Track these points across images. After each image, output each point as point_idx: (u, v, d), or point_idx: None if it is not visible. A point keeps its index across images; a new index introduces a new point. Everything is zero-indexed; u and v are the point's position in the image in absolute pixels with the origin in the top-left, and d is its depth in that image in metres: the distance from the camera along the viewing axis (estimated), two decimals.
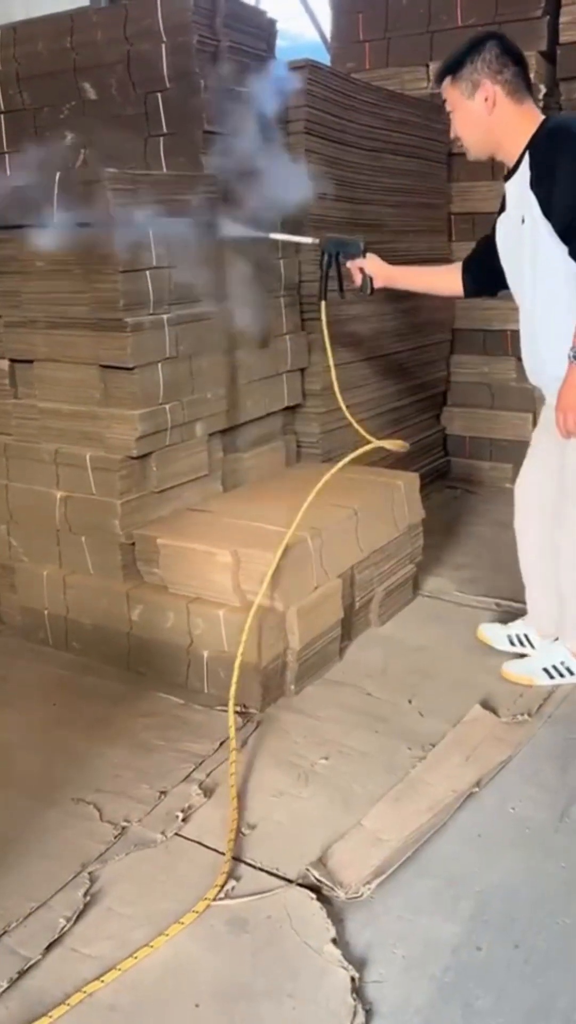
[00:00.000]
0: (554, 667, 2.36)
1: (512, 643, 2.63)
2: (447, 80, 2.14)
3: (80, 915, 1.68)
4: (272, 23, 3.05)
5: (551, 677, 2.37)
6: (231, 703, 2.24)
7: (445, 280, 2.59)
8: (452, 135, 2.24)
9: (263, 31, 3.00)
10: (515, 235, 2.16)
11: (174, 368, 2.62)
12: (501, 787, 2.05)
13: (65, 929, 1.65)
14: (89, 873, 1.79)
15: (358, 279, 2.66)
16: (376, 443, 2.59)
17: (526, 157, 2.07)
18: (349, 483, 2.81)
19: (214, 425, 2.84)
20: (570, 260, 1.93)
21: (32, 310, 2.63)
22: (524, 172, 2.06)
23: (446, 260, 4.28)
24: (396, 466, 3.71)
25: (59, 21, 3.09)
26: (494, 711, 2.35)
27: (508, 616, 2.82)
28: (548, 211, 1.96)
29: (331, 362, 2.67)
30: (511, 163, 2.11)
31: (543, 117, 2.15)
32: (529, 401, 4.08)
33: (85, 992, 1.50)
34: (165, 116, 2.86)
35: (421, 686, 2.51)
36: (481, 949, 1.60)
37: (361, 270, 2.64)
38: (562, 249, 1.97)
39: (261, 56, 2.99)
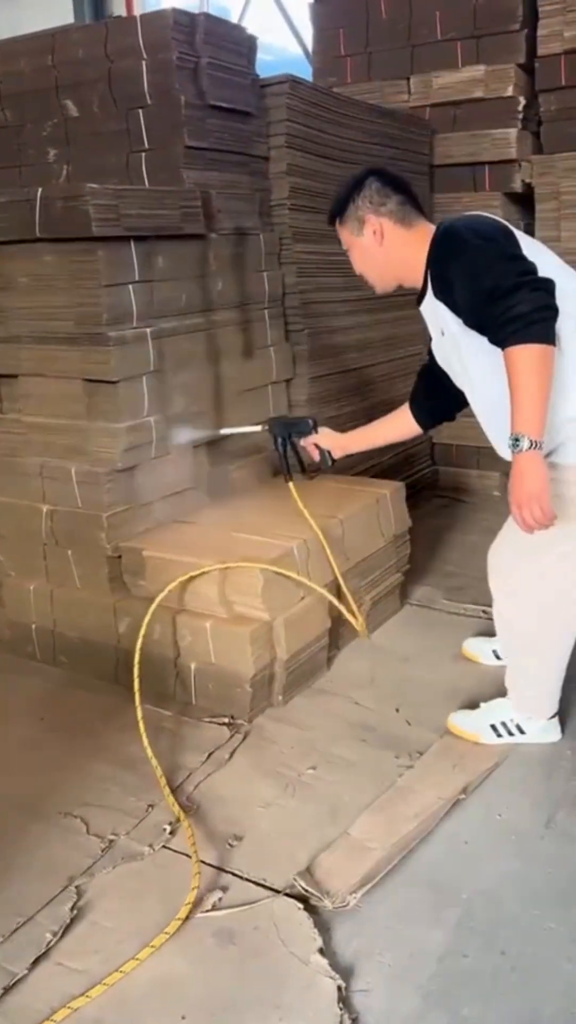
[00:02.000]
0: (503, 724, 2.23)
1: (498, 657, 2.60)
2: (337, 222, 2.15)
3: (67, 929, 1.68)
4: (252, 39, 3.08)
5: (498, 735, 2.23)
6: None
7: (399, 426, 2.52)
8: (357, 272, 2.22)
9: (243, 47, 3.03)
10: (441, 349, 2.16)
11: (158, 381, 2.64)
12: (487, 795, 2.05)
13: (51, 944, 1.64)
14: (76, 887, 1.79)
15: (315, 455, 2.63)
16: (349, 618, 2.60)
17: (428, 274, 2.04)
18: (335, 493, 2.82)
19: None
20: (493, 354, 1.85)
21: (16, 325, 2.64)
22: (428, 287, 2.04)
23: None
24: (383, 475, 3.73)
25: (41, 39, 3.11)
26: None
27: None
28: (458, 312, 1.94)
29: (316, 530, 2.60)
30: (419, 285, 2.08)
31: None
32: None
33: (71, 1008, 1.50)
34: (146, 132, 2.89)
35: (409, 695, 2.51)
36: (467, 957, 1.60)
37: (317, 445, 2.60)
38: (481, 346, 1.91)
39: (242, 72, 3.01)
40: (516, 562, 2.14)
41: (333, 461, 2.62)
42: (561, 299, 1.82)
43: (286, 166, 3.20)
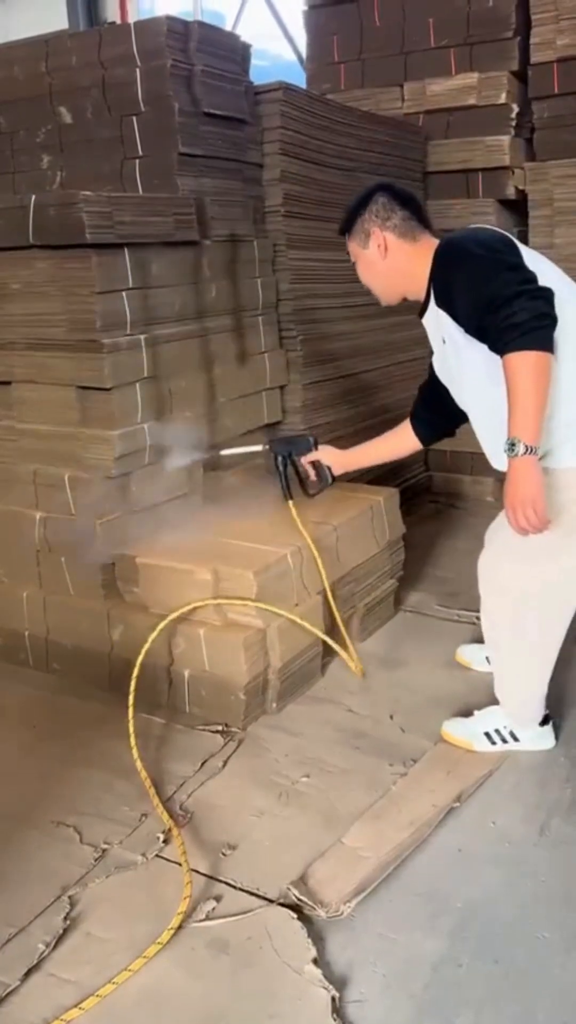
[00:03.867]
0: (496, 731, 2.24)
1: (491, 662, 2.57)
2: (347, 236, 2.20)
3: (59, 940, 1.67)
4: (246, 47, 3.09)
5: (492, 743, 2.24)
6: None
7: (400, 442, 2.54)
8: (363, 283, 2.26)
9: (237, 54, 3.03)
10: (442, 358, 2.19)
11: (152, 388, 2.63)
12: (482, 802, 2.05)
13: (44, 954, 1.64)
14: (69, 897, 1.78)
15: (312, 474, 2.63)
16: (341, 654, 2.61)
17: (431, 285, 2.09)
18: (329, 499, 2.81)
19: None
20: (491, 363, 1.89)
21: (9, 332, 2.63)
22: (431, 297, 2.08)
23: None
24: (377, 481, 3.73)
25: (35, 46, 3.12)
26: None
27: None
28: (459, 319, 1.97)
29: (314, 553, 2.59)
30: (421, 297, 2.13)
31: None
32: None
33: (64, 1020, 1.49)
34: (140, 139, 2.89)
35: (403, 702, 2.51)
36: (461, 965, 1.60)
37: (317, 463, 2.62)
38: (480, 355, 1.94)
39: (235, 79, 3.02)
40: (505, 564, 2.14)
41: (333, 479, 2.63)
42: (559, 308, 1.85)
43: (280, 173, 3.20)
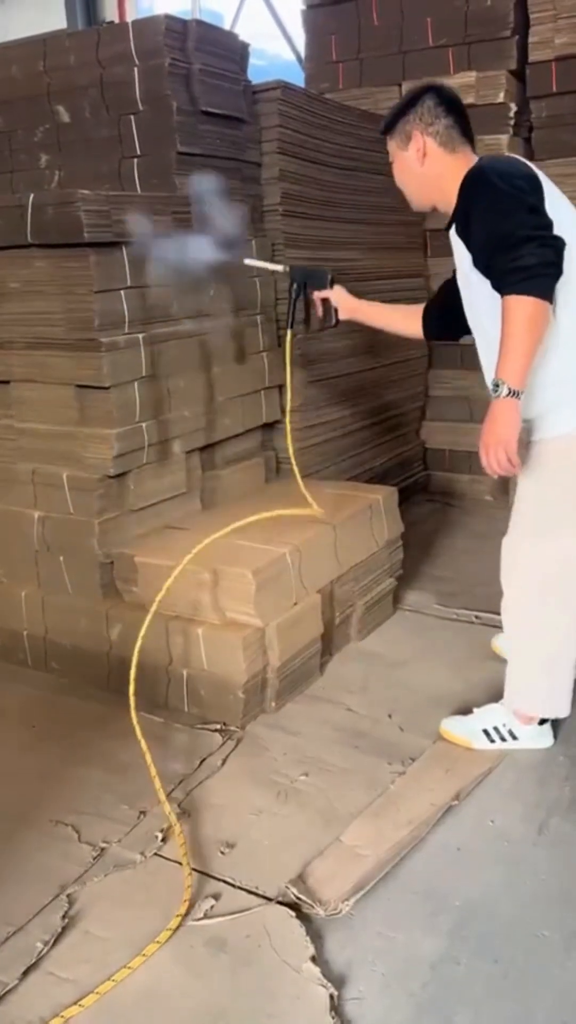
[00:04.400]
0: (495, 729, 2.24)
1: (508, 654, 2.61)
2: (387, 134, 2.20)
3: (58, 938, 1.67)
4: (245, 46, 3.08)
5: (491, 741, 2.24)
6: None
7: (407, 320, 2.60)
8: (397, 183, 2.26)
9: (235, 53, 3.03)
10: (462, 277, 2.19)
11: (150, 387, 2.63)
12: (480, 801, 2.05)
13: (42, 953, 1.63)
14: (67, 895, 1.78)
15: (320, 310, 2.67)
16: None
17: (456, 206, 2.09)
18: (328, 498, 2.81)
19: (192, 443, 2.85)
20: (492, 299, 1.92)
21: (8, 331, 2.63)
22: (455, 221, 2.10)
23: (422, 276, 4.34)
24: (375, 480, 3.74)
25: (33, 45, 3.11)
26: None
27: (490, 630, 2.84)
28: (471, 250, 2.00)
29: (289, 386, 2.72)
30: (449, 211, 2.11)
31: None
32: None
33: (63, 1017, 1.49)
34: (138, 138, 2.89)
35: (401, 701, 2.51)
36: (460, 964, 1.60)
37: (327, 300, 2.65)
38: (485, 290, 1.97)
39: (234, 78, 3.02)
40: (525, 542, 2.16)
41: (337, 321, 2.66)
42: (567, 261, 1.88)
43: (278, 172, 3.20)
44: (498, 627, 2.77)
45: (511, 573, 2.24)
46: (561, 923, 1.68)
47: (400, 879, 1.80)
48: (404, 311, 2.66)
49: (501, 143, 4.11)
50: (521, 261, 1.82)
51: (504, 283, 1.86)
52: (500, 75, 4.09)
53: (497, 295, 1.90)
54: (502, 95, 4.09)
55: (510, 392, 1.87)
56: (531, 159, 4.15)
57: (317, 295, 2.65)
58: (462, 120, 2.12)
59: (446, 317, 2.42)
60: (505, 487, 4.25)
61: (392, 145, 2.19)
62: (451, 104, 2.11)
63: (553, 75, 4.01)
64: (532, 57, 4.06)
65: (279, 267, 2.78)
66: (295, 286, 2.66)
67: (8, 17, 8.65)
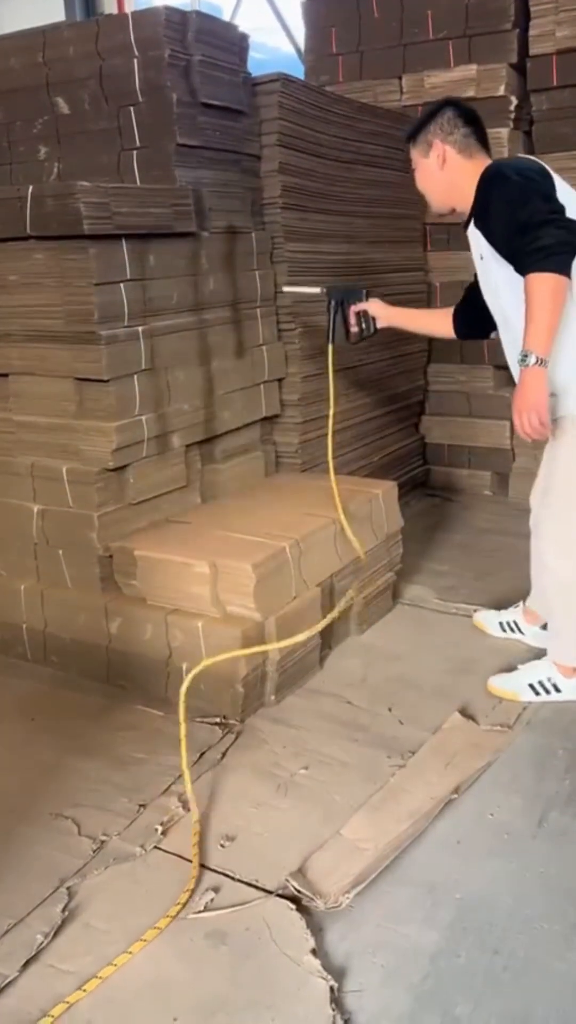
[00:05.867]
0: (540, 683, 2.41)
1: (503, 630, 2.78)
2: (411, 143, 2.42)
3: (58, 931, 1.67)
4: (244, 37, 3.07)
5: (536, 693, 2.41)
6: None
7: (439, 321, 2.81)
8: (418, 188, 2.49)
9: (235, 45, 3.01)
10: (482, 271, 2.41)
11: (150, 380, 2.63)
12: (480, 794, 2.05)
13: (43, 945, 1.64)
14: (67, 888, 1.78)
15: (353, 323, 2.87)
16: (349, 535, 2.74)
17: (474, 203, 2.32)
18: (327, 492, 2.81)
19: (191, 436, 2.84)
20: (513, 283, 2.14)
21: (7, 324, 2.62)
22: (474, 216, 2.32)
23: (422, 269, 4.34)
24: (375, 475, 3.73)
25: (32, 37, 3.09)
26: (473, 719, 2.35)
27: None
28: (493, 241, 2.21)
29: (332, 395, 2.90)
30: (467, 211, 2.34)
31: None
32: (506, 409, 4.10)
33: (67, 1003, 1.50)
34: (138, 130, 2.87)
35: (401, 694, 2.51)
36: (460, 956, 1.60)
37: (365, 312, 2.85)
38: (508, 276, 2.17)
39: (234, 70, 3.00)
40: (558, 516, 2.34)
41: (375, 330, 2.89)
42: None
43: (278, 164, 3.19)
44: None
45: (543, 541, 2.42)
46: (561, 915, 1.69)
47: (400, 872, 1.80)
48: (435, 314, 2.91)
49: (501, 136, 4.09)
50: (540, 242, 2.03)
51: (526, 263, 2.08)
52: (501, 68, 4.08)
53: (515, 278, 2.12)
54: (502, 88, 4.08)
55: (538, 361, 2.08)
56: (531, 152, 4.17)
57: (354, 309, 2.86)
58: (479, 130, 2.36)
59: (473, 316, 2.61)
60: (504, 482, 4.26)
61: (415, 153, 2.42)
62: (468, 116, 2.36)
63: (554, 68, 4.00)
64: (533, 50, 4.04)
65: (316, 290, 2.97)
66: (332, 304, 2.86)
67: (7, 8, 8.60)
